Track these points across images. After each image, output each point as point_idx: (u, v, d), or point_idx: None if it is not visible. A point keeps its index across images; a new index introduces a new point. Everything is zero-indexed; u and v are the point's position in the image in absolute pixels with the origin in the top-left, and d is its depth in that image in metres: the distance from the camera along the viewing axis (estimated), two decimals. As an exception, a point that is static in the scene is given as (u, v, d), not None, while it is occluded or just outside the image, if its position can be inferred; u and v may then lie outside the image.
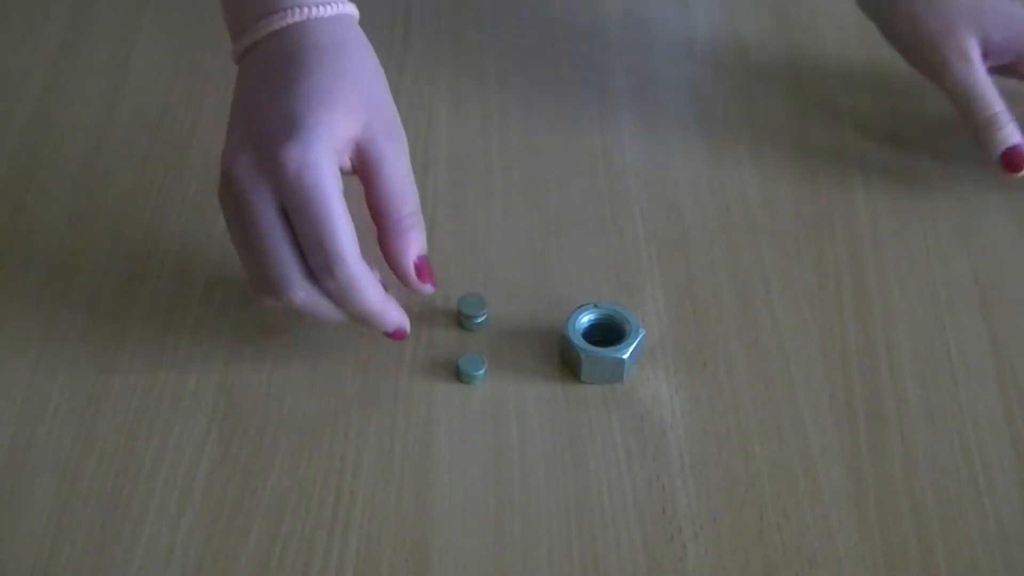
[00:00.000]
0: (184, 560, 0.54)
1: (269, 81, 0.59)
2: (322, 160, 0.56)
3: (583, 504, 0.57)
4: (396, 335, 0.60)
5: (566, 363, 0.62)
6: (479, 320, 0.63)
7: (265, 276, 0.57)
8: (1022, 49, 0.69)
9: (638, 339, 0.61)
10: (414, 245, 0.59)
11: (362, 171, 0.58)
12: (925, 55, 0.72)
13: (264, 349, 0.63)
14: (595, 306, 0.62)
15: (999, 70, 0.71)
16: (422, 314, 0.64)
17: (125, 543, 0.55)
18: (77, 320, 0.64)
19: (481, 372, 0.61)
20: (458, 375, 0.61)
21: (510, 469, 0.58)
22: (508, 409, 0.61)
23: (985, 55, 0.70)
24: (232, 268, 0.66)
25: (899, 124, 0.76)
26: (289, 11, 0.59)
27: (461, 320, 0.64)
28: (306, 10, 0.59)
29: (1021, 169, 0.68)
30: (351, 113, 0.57)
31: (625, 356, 0.61)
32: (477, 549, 0.55)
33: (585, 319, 0.62)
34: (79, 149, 0.74)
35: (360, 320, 0.59)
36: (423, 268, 0.59)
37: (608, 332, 0.62)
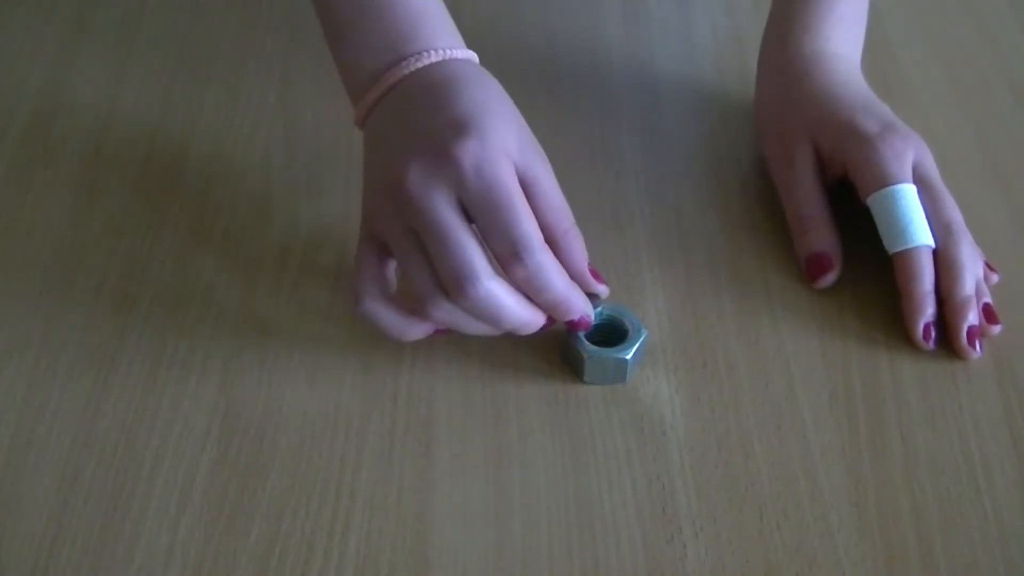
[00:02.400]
0: (184, 560, 0.54)
1: (418, 108, 0.58)
2: (500, 154, 0.56)
3: (583, 504, 0.57)
4: (581, 323, 0.60)
5: (568, 363, 0.62)
6: None
7: (449, 272, 0.55)
8: (847, 160, 0.67)
9: (640, 339, 0.61)
10: (580, 252, 0.60)
11: (525, 189, 0.57)
12: (763, 146, 0.73)
13: (264, 349, 0.63)
14: (597, 307, 0.62)
15: (843, 183, 0.69)
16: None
17: (125, 543, 0.55)
18: (77, 320, 0.64)
19: (597, 311, 0.61)
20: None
21: (510, 469, 0.58)
22: (508, 409, 0.61)
23: (823, 166, 0.69)
24: (232, 268, 0.66)
25: (899, 124, 0.76)
26: (424, 53, 0.59)
27: (461, 320, 0.64)
28: (440, 52, 0.60)
29: (819, 277, 0.66)
30: (509, 129, 0.57)
31: (628, 356, 0.61)
32: (477, 549, 0.55)
33: (586, 319, 0.62)
34: (79, 149, 0.74)
35: (550, 307, 0.58)
36: (595, 272, 0.60)
37: (610, 332, 0.62)
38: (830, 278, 0.66)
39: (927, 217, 0.65)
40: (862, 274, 0.67)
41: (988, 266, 0.66)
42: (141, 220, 0.70)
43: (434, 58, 0.60)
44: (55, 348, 0.63)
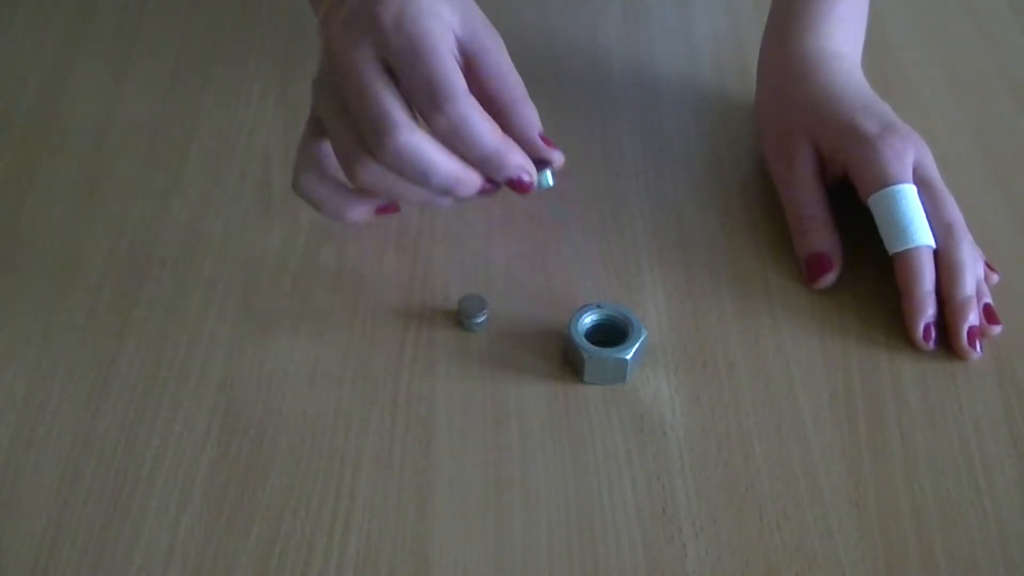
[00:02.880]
0: (184, 560, 0.54)
1: None
2: (423, 12, 0.54)
3: (583, 504, 0.57)
4: (520, 184, 0.56)
5: (568, 363, 0.62)
6: (479, 320, 0.63)
7: (368, 126, 0.54)
8: (847, 161, 0.67)
9: (640, 339, 0.61)
10: (531, 117, 0.57)
11: (469, 62, 0.56)
12: (763, 146, 0.73)
13: (264, 349, 0.63)
14: (598, 306, 0.62)
15: (842, 183, 0.69)
16: (422, 314, 0.64)
17: (125, 543, 0.55)
18: (77, 320, 0.64)
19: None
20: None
21: (510, 469, 0.58)
22: (508, 409, 0.61)
23: (823, 166, 0.69)
24: (232, 268, 0.66)
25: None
26: None
27: (461, 320, 0.64)
28: None
29: (818, 277, 0.66)
30: (450, 4, 0.56)
31: (628, 356, 0.61)
32: (477, 549, 0.55)
33: (588, 319, 0.62)
34: (79, 149, 0.74)
35: (481, 163, 0.55)
36: (547, 139, 0.57)
37: (610, 332, 0.62)
38: (830, 278, 0.66)
39: (928, 217, 0.65)
40: (862, 274, 0.67)
41: (988, 266, 0.66)
42: (141, 220, 0.70)
43: None
44: (55, 348, 0.63)
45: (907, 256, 0.64)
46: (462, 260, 0.67)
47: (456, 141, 0.55)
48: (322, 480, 0.58)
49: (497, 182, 0.57)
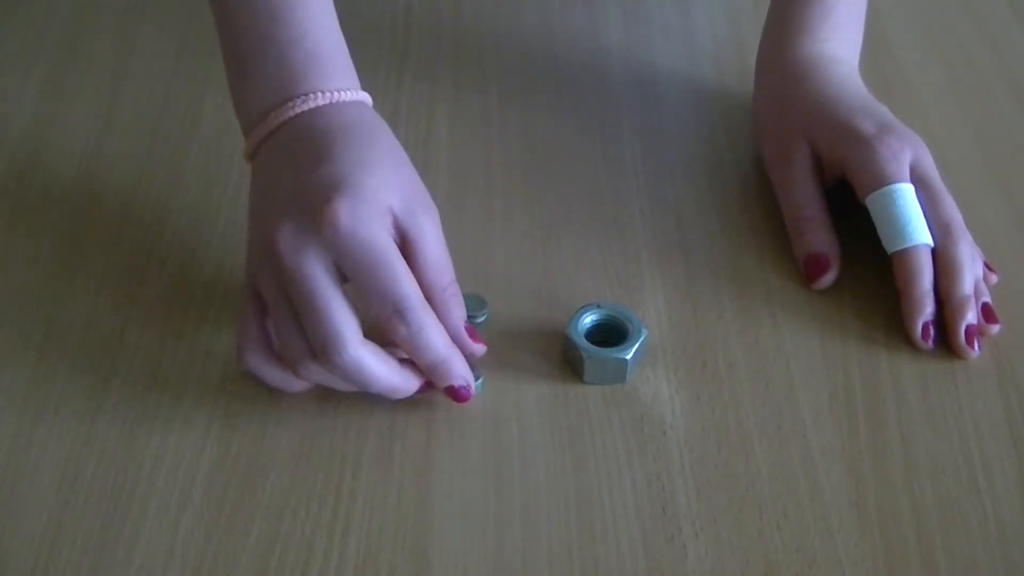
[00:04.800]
0: (184, 560, 0.54)
1: (296, 160, 0.57)
2: (373, 215, 0.55)
3: (583, 504, 0.57)
4: (460, 393, 0.58)
5: (568, 363, 0.62)
6: (479, 320, 0.63)
7: (317, 339, 0.55)
8: (845, 161, 0.67)
9: (640, 339, 0.61)
10: (458, 311, 0.59)
11: (404, 243, 0.57)
12: (761, 148, 0.73)
13: (264, 349, 0.63)
14: (598, 306, 0.62)
15: (841, 184, 0.69)
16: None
17: (125, 543, 0.55)
18: (77, 320, 0.64)
19: (478, 382, 0.60)
20: None
21: (510, 469, 0.58)
22: (508, 409, 0.61)
23: (821, 167, 0.69)
24: (232, 268, 0.66)
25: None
26: (311, 95, 0.59)
27: (461, 320, 0.64)
28: (328, 95, 0.59)
29: (817, 278, 0.66)
30: (389, 183, 0.57)
31: (628, 356, 0.61)
32: (477, 549, 0.55)
33: (588, 319, 0.62)
34: (79, 149, 0.74)
35: (430, 368, 0.57)
36: (472, 331, 0.60)
37: (610, 332, 0.62)
38: (828, 279, 0.66)
39: (926, 216, 0.65)
40: (862, 274, 0.67)
41: (987, 266, 0.66)
42: (141, 220, 0.69)
43: (321, 101, 0.59)
44: (55, 348, 0.63)
45: (905, 255, 0.64)
46: (462, 260, 0.67)
47: (410, 348, 0.57)
48: (322, 480, 0.58)
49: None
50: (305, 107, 0.59)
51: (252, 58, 0.60)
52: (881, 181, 0.65)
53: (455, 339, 0.58)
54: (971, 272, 0.64)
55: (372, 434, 0.59)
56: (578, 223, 0.70)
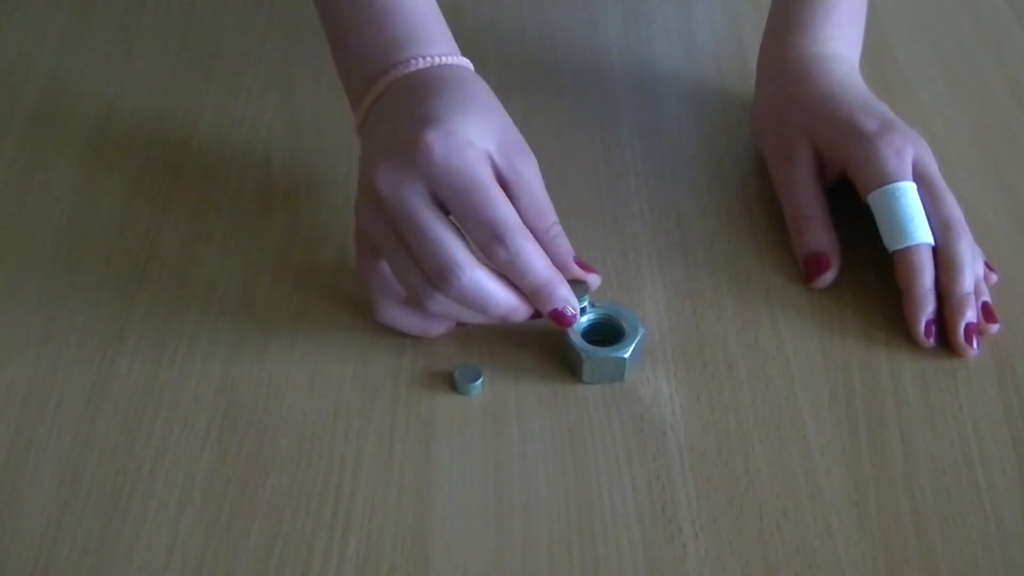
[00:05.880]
0: (184, 560, 0.54)
1: (397, 113, 0.59)
2: (465, 144, 0.56)
3: (583, 504, 0.57)
4: (565, 316, 0.59)
5: (566, 363, 0.62)
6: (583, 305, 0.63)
7: (433, 268, 0.56)
8: (847, 159, 0.67)
9: (638, 338, 0.61)
10: (564, 247, 0.59)
11: (504, 187, 0.58)
12: (761, 147, 0.73)
13: (264, 349, 0.63)
14: (594, 306, 0.62)
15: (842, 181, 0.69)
16: (422, 314, 0.64)
17: (125, 543, 0.55)
18: (77, 320, 0.64)
19: (478, 382, 0.60)
20: (454, 386, 0.61)
21: (510, 469, 0.58)
22: (508, 409, 0.61)
23: (822, 166, 0.69)
24: (232, 267, 0.67)
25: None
26: (413, 60, 0.60)
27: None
28: (429, 59, 0.61)
29: (817, 277, 0.66)
30: (485, 128, 0.58)
31: (626, 355, 0.61)
32: (477, 549, 0.55)
33: (585, 319, 0.62)
34: (79, 149, 0.74)
35: (532, 291, 0.58)
36: (583, 264, 0.60)
37: (608, 332, 0.62)
38: (828, 278, 0.66)
39: (927, 215, 0.65)
40: (862, 273, 0.67)
41: (987, 266, 0.66)
42: (141, 220, 0.70)
43: (422, 64, 0.60)
44: (55, 348, 0.63)
45: (907, 254, 0.64)
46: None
47: (512, 272, 0.58)
48: (322, 480, 0.58)
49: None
50: (408, 70, 0.60)
51: (355, 27, 0.62)
52: (884, 178, 0.65)
53: (563, 270, 0.59)
54: (971, 270, 0.64)
55: (372, 434, 0.59)
56: (578, 223, 0.70)
